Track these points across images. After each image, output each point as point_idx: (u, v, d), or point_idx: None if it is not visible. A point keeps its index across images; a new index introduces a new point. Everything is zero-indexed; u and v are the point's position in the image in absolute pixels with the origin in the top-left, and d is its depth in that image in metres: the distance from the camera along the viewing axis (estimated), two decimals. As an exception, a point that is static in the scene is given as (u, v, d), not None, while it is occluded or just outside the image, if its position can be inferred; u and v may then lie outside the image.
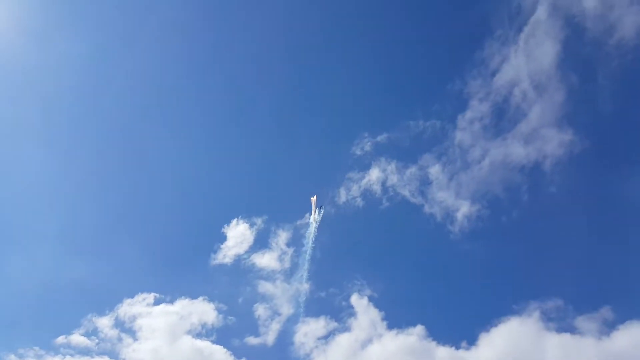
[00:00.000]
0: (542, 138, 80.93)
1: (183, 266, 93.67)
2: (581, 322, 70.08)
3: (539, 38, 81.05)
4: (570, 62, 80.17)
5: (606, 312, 69.09)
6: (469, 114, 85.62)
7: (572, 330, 69.89)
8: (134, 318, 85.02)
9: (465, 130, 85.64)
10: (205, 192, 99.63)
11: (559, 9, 79.61)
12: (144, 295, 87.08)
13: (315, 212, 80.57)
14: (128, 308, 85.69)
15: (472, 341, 72.48)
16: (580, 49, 79.81)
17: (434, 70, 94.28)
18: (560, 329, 70.38)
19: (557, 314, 71.92)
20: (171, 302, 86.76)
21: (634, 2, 74.75)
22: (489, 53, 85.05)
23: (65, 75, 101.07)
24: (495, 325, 72.82)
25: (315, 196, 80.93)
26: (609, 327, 67.87)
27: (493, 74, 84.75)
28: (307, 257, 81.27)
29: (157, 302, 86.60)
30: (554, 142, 79.87)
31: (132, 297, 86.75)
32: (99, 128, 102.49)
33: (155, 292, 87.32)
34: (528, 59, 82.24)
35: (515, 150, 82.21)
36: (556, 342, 69.33)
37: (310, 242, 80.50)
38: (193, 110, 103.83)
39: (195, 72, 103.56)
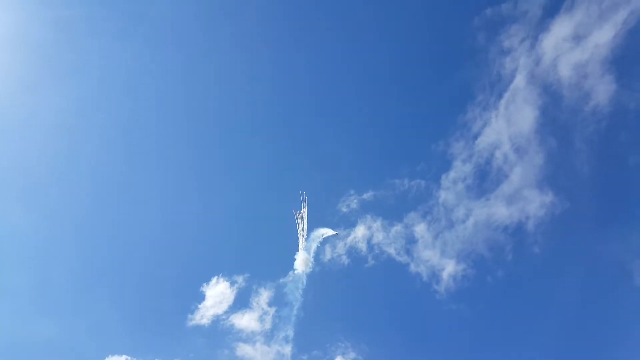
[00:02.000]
0: (524, 199, 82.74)
1: (158, 327, 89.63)
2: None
3: (518, 104, 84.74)
4: (548, 127, 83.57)
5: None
6: (452, 174, 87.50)
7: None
8: (102, 383, 79.93)
9: (449, 190, 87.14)
10: (185, 248, 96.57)
11: (537, 78, 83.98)
12: (115, 357, 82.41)
13: (305, 212, 77.82)
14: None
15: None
16: (558, 115, 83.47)
17: (419, 132, 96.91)
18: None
19: (545, 376, 70.81)
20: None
21: (606, 73, 79.39)
22: (471, 117, 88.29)
23: (47, 128, 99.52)
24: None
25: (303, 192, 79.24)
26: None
27: (475, 137, 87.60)
28: (295, 311, 78.79)
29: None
30: (536, 203, 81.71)
31: (103, 359, 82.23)
32: (75, 184, 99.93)
33: (127, 354, 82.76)
34: (508, 124, 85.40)
35: (499, 210, 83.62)
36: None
37: (299, 293, 78.32)
38: (173, 164, 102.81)
39: (181, 128, 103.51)
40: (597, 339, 75.85)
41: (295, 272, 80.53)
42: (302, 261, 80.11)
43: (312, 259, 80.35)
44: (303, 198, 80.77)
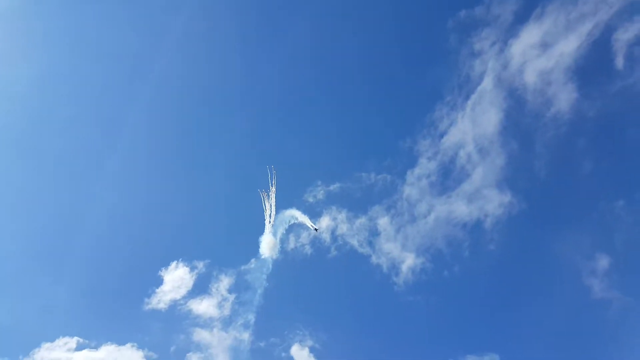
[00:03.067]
0: (484, 198, 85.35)
1: (112, 310, 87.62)
2: (513, 378, 72.02)
3: (484, 106, 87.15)
4: (511, 130, 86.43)
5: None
6: (417, 171, 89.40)
7: (505, 384, 71.40)
8: (51, 364, 77.51)
9: (414, 186, 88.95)
10: (144, 231, 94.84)
11: (503, 82, 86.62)
12: (66, 339, 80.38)
13: (273, 192, 75.51)
14: (46, 353, 78.83)
15: (409, 395, 71.96)
16: (521, 119, 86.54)
17: (388, 128, 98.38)
18: (494, 384, 71.63)
19: (493, 368, 73.33)
20: (95, 347, 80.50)
21: (569, 81, 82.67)
22: (439, 116, 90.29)
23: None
24: (431, 379, 73.10)
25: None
26: (539, 381, 70.32)
27: (441, 136, 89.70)
28: (257, 296, 77.97)
29: (79, 348, 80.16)
30: (495, 203, 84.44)
31: (52, 341, 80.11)
32: (28, 160, 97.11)
33: (79, 336, 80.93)
34: (474, 124, 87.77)
35: (459, 207, 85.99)
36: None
37: (264, 278, 77.35)
38: (133, 143, 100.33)
39: (141, 105, 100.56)
40: (545, 333, 79.04)
41: (262, 256, 79.84)
42: (268, 245, 78.82)
43: (278, 244, 79.68)
44: (272, 174, 78.45)
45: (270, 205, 78.09)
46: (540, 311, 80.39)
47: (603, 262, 76.62)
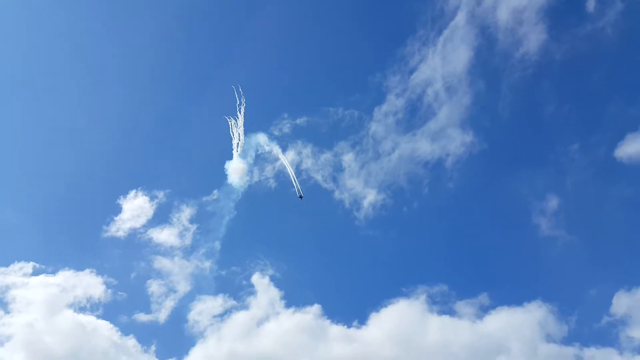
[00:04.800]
0: (447, 137, 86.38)
1: (69, 235, 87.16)
2: (461, 306, 76.70)
3: (455, 43, 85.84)
4: (479, 69, 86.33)
5: (483, 298, 76.41)
6: (385, 108, 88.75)
7: (452, 313, 76.33)
8: (7, 289, 76.86)
9: (380, 123, 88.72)
10: (102, 158, 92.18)
11: (476, 18, 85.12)
12: (21, 264, 79.00)
13: (241, 117, 71.43)
14: (1, 278, 77.21)
15: (363, 320, 76.06)
16: (490, 58, 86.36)
17: (358, 61, 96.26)
18: (442, 312, 76.44)
19: (442, 298, 77.72)
20: (53, 273, 79.85)
21: (540, 21, 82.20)
22: (410, 51, 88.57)
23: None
24: (385, 306, 76.92)
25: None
26: (483, 311, 75.25)
27: (411, 72, 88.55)
28: (224, 224, 77.18)
29: (36, 273, 79.21)
30: (457, 142, 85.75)
31: (7, 265, 78.66)
32: None
33: (35, 261, 79.67)
34: (444, 62, 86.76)
35: (423, 146, 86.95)
36: (437, 324, 75.25)
37: (232, 205, 76.17)
38: (92, 64, 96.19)
39: (102, 28, 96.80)
40: (493, 269, 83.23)
41: (230, 184, 76.86)
42: (237, 172, 75.75)
43: (246, 169, 77.36)
44: (239, 96, 72.79)
45: (239, 134, 74.73)
46: (490, 246, 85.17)
47: (552, 202, 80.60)
